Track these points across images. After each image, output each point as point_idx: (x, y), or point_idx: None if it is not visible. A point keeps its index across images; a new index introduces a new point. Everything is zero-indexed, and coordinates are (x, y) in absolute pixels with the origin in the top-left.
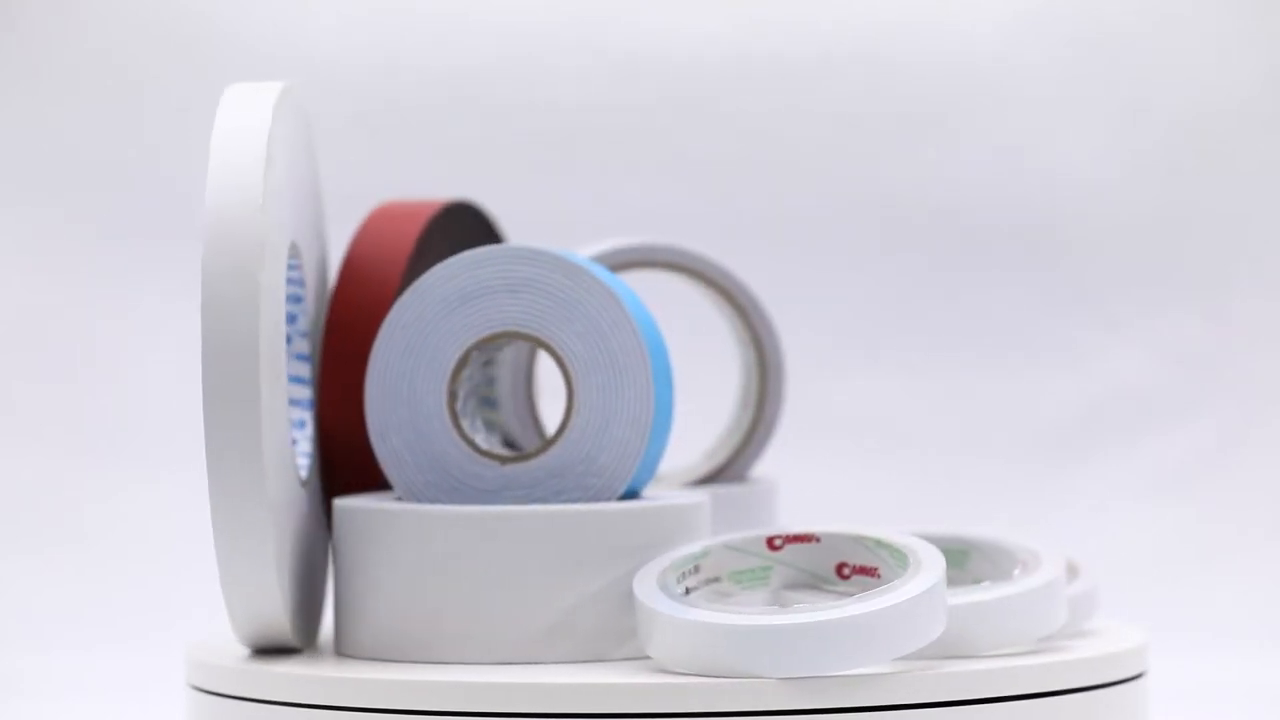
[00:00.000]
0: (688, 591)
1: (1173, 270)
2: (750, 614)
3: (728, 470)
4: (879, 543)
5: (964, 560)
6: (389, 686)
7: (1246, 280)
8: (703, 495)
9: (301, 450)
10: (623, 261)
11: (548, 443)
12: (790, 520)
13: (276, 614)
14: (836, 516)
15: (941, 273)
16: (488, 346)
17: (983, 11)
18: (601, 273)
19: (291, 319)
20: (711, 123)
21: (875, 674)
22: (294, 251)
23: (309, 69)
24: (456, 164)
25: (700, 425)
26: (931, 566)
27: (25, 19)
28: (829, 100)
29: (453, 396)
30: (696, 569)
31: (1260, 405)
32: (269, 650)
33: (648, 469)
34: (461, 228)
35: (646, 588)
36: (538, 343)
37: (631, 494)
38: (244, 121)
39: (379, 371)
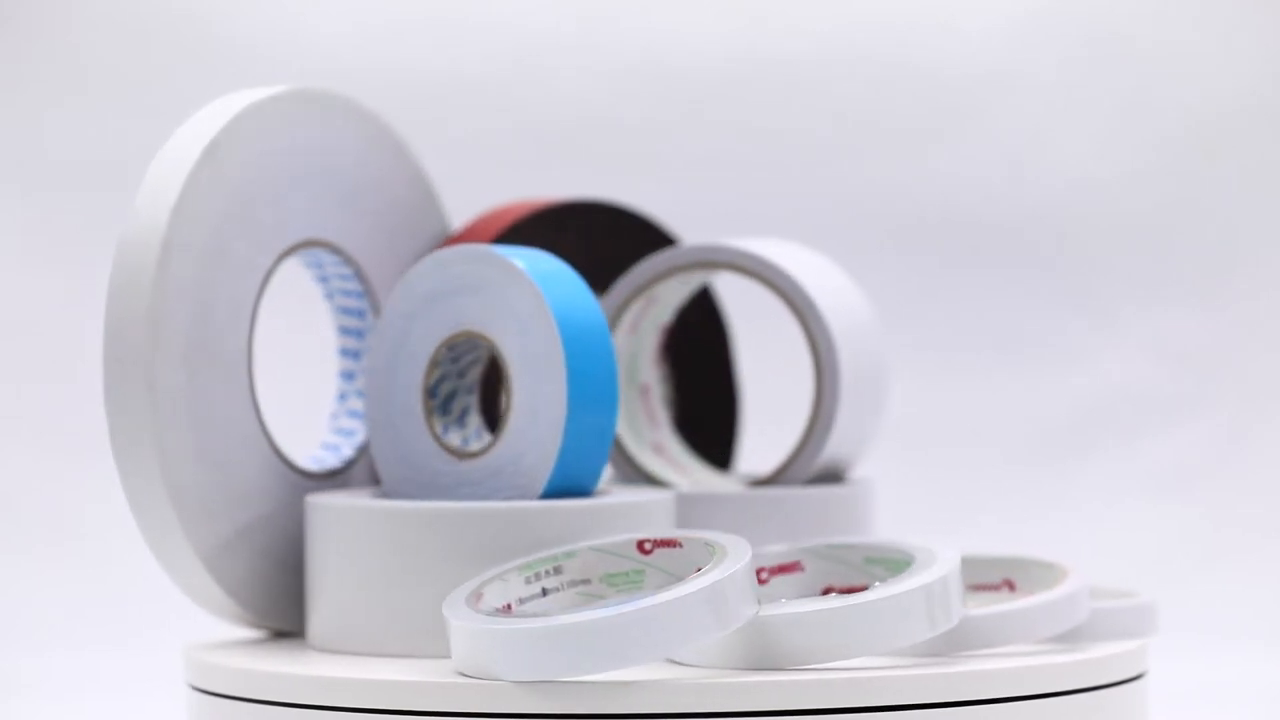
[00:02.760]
0: (545, 592)
1: (1173, 270)
2: (495, 618)
3: (789, 471)
4: (713, 549)
5: (909, 569)
6: (388, 687)
7: (1246, 280)
8: (650, 494)
9: (351, 442)
10: (688, 262)
11: (492, 441)
12: (884, 523)
13: (208, 589)
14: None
15: (941, 273)
16: (455, 345)
17: (983, 12)
18: (539, 274)
19: (360, 314)
20: (712, 123)
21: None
22: (331, 249)
23: (308, 70)
24: (456, 163)
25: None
26: (702, 577)
27: (24, 17)
28: (829, 101)
29: (428, 393)
30: (558, 569)
31: (1260, 404)
32: (270, 643)
33: (579, 468)
34: (601, 227)
35: (457, 590)
36: (487, 342)
37: (579, 492)
38: (196, 126)
39: (373, 367)
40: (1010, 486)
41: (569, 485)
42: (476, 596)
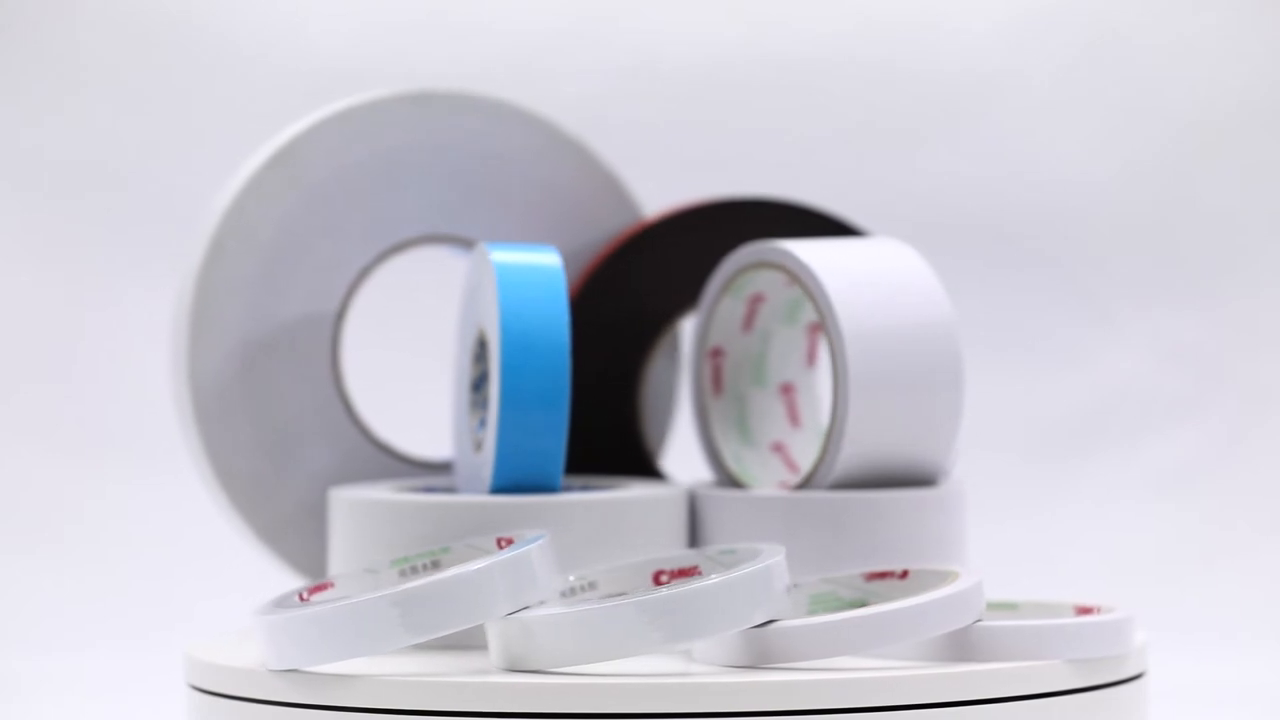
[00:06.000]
0: None
1: (1172, 270)
2: (273, 609)
3: (814, 476)
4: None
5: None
6: (387, 686)
7: (1246, 280)
8: (612, 494)
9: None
10: (744, 265)
11: (484, 436)
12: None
13: (273, 559)
14: None
15: (941, 272)
16: (486, 342)
17: (983, 12)
18: (507, 270)
19: None
20: (710, 124)
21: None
22: (465, 245)
23: (309, 70)
24: None
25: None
26: (404, 583)
27: (26, 18)
28: (828, 101)
29: (473, 387)
30: (436, 564)
31: (1260, 405)
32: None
33: (527, 464)
34: (772, 223)
35: (283, 592)
36: (485, 339)
37: (541, 488)
38: (279, 133)
39: (455, 362)
40: (1010, 486)
41: (522, 481)
42: (319, 587)
